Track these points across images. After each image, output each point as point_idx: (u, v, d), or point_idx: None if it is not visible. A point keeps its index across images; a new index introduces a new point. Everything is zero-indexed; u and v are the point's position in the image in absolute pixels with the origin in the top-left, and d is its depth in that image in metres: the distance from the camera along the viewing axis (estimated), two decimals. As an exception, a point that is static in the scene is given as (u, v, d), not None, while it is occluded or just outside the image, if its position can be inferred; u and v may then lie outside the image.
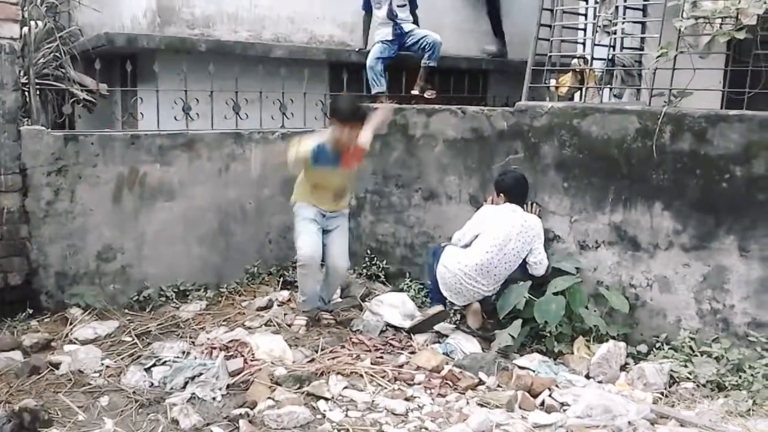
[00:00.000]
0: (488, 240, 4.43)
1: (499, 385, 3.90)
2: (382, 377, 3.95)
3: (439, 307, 4.62)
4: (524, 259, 4.48)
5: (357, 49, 7.13)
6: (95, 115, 6.32)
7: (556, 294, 4.31)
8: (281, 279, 5.58)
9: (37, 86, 5.08)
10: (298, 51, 7.01)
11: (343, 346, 4.40)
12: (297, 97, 5.90)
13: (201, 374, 3.78)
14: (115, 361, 4.12)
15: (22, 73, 4.82)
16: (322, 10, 7.37)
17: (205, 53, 6.35)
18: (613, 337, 4.25)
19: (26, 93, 4.92)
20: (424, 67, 6.67)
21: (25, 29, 5.14)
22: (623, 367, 4.12)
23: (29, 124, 4.78)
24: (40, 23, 5.68)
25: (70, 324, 4.56)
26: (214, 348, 4.23)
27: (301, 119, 5.96)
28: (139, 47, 6.24)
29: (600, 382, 4.01)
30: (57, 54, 5.71)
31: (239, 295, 5.36)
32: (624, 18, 5.68)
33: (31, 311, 4.62)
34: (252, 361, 4.09)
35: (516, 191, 4.61)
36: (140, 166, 5.02)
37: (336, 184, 4.71)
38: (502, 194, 4.64)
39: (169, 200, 5.17)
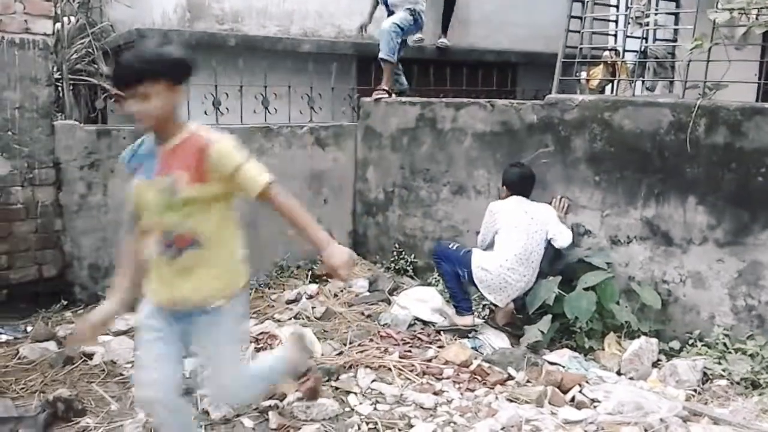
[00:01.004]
0: (513, 230, 4.40)
1: (528, 381, 3.87)
2: (411, 371, 3.95)
3: (469, 319, 4.56)
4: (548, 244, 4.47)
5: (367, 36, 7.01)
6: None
7: (586, 289, 4.26)
8: (310, 272, 5.60)
9: (70, 81, 5.17)
10: (326, 45, 7.03)
11: (371, 340, 4.40)
12: (325, 92, 5.91)
13: (231, 366, 3.81)
14: (147, 353, 4.17)
15: (55, 69, 4.91)
16: (350, 4, 7.36)
17: (234, 48, 6.39)
18: (645, 333, 4.19)
19: (59, 88, 5.02)
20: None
21: (58, 25, 5.24)
22: (655, 364, 4.06)
23: (62, 118, 4.87)
24: (72, 19, 5.78)
25: (103, 315, 4.63)
26: (244, 340, 4.27)
27: (329, 114, 5.97)
28: (169, 42, 6.29)
29: (631, 378, 3.95)
30: (89, 50, 5.81)
31: (268, 288, 5.39)
32: (657, 9, 5.59)
33: (65, 303, 4.72)
34: (281, 353, 4.12)
35: (519, 184, 4.59)
36: (171, 160, 5.06)
37: (156, 214, 2.43)
38: (505, 186, 4.65)
39: (200, 194, 5.20)
